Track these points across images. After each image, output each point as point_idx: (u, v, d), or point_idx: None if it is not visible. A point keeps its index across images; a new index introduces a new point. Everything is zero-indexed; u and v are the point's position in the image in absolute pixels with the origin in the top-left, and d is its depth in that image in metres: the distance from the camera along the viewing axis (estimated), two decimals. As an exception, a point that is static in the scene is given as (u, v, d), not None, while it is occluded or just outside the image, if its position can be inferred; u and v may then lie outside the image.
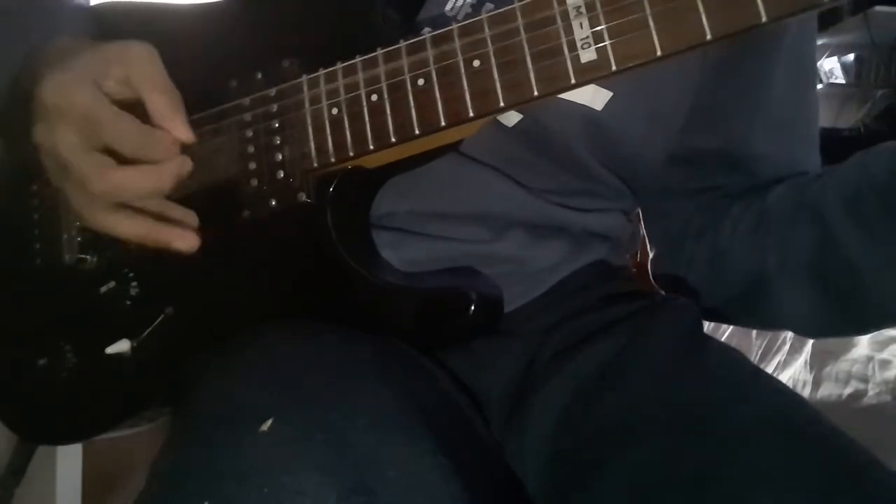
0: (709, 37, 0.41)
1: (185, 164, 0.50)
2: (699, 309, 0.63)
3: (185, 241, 0.52)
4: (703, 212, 0.67)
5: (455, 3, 0.55)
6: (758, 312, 0.64)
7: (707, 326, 0.67)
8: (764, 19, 0.39)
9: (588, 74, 0.44)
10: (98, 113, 0.48)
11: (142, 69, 0.49)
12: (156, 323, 0.56)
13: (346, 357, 0.47)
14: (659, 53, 0.42)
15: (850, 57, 2.34)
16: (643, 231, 0.75)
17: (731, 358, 0.57)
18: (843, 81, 2.37)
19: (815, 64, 0.66)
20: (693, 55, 0.42)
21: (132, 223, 0.51)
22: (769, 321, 0.65)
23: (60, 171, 0.50)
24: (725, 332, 1.43)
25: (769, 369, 1.44)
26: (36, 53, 0.53)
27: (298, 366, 0.45)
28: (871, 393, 1.30)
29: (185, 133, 0.50)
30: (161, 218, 0.52)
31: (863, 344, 1.37)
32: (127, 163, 0.49)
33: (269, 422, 0.39)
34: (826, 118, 2.29)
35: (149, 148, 0.49)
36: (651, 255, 0.75)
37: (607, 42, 0.43)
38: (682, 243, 0.69)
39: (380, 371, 0.47)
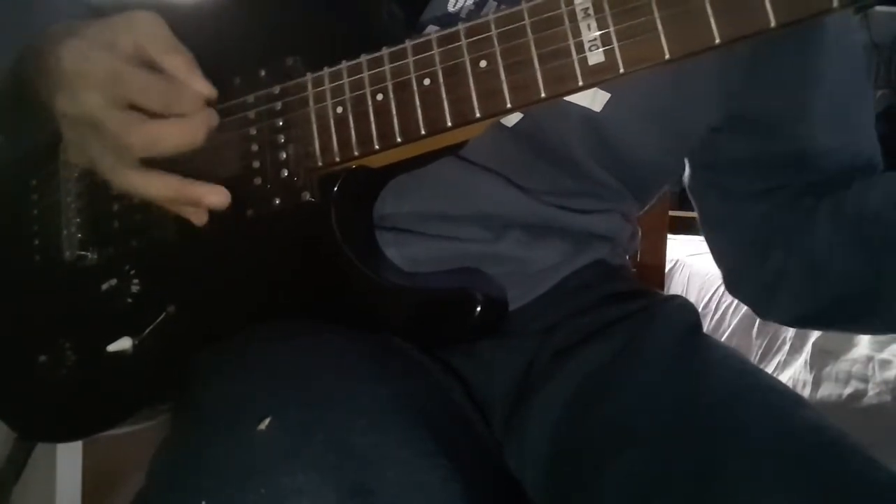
0: (717, 41, 0.40)
1: (214, 116, 0.50)
2: (793, 317, 0.61)
3: (217, 195, 0.51)
4: (781, 216, 0.65)
5: (458, 1, 0.55)
6: (874, 317, 0.61)
7: (707, 326, 0.66)
8: (773, 24, 0.39)
9: (596, 76, 0.43)
10: (121, 71, 0.47)
11: (151, 33, 0.49)
12: (157, 321, 0.56)
13: (345, 357, 0.47)
14: (667, 57, 0.41)
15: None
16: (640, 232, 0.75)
17: (731, 358, 0.57)
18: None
19: (861, 49, 0.65)
20: (711, 59, 0.42)
21: (163, 181, 0.50)
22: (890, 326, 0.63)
23: (88, 137, 0.49)
24: (725, 332, 1.43)
25: (769, 369, 1.44)
26: (35, 42, 0.53)
27: (298, 365, 0.45)
28: (871, 393, 1.31)
29: (205, 87, 0.49)
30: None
31: (863, 344, 1.37)
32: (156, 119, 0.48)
33: (267, 420, 0.39)
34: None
35: (176, 100, 0.48)
36: (722, 273, 0.72)
37: (615, 44, 0.42)
38: (762, 253, 0.66)
39: (380, 371, 0.47)
